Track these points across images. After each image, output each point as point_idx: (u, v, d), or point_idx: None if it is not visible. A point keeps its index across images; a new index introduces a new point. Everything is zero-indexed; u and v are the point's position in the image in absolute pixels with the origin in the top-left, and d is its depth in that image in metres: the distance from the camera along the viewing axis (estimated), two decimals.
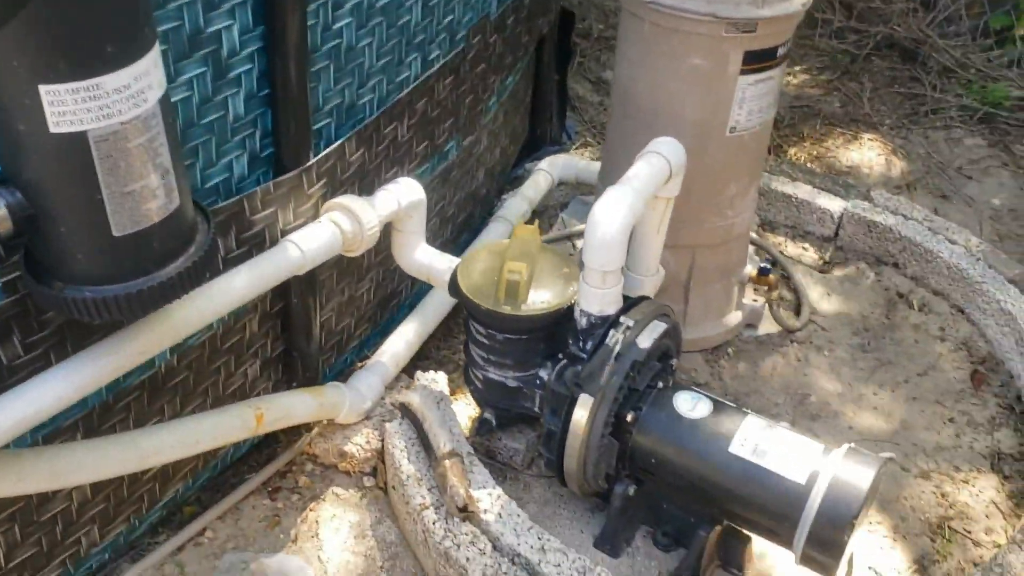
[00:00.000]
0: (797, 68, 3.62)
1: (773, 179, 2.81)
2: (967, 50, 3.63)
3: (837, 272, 2.66)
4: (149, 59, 1.08)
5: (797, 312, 2.48)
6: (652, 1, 1.84)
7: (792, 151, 3.15)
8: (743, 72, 1.90)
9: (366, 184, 1.84)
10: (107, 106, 1.04)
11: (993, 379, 2.34)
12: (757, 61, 1.90)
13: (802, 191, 2.77)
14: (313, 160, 1.65)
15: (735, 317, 2.31)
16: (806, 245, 2.75)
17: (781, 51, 1.93)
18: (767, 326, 2.39)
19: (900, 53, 3.69)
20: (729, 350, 2.32)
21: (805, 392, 2.25)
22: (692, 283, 2.19)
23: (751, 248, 2.61)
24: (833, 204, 2.73)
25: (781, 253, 2.69)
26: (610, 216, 1.61)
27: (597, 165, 2.66)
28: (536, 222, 2.50)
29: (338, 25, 1.65)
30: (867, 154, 3.15)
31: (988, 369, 2.37)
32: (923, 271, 2.60)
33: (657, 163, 1.76)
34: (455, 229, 2.40)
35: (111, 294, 1.15)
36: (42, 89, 1.00)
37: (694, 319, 2.23)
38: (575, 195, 2.77)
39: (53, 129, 1.02)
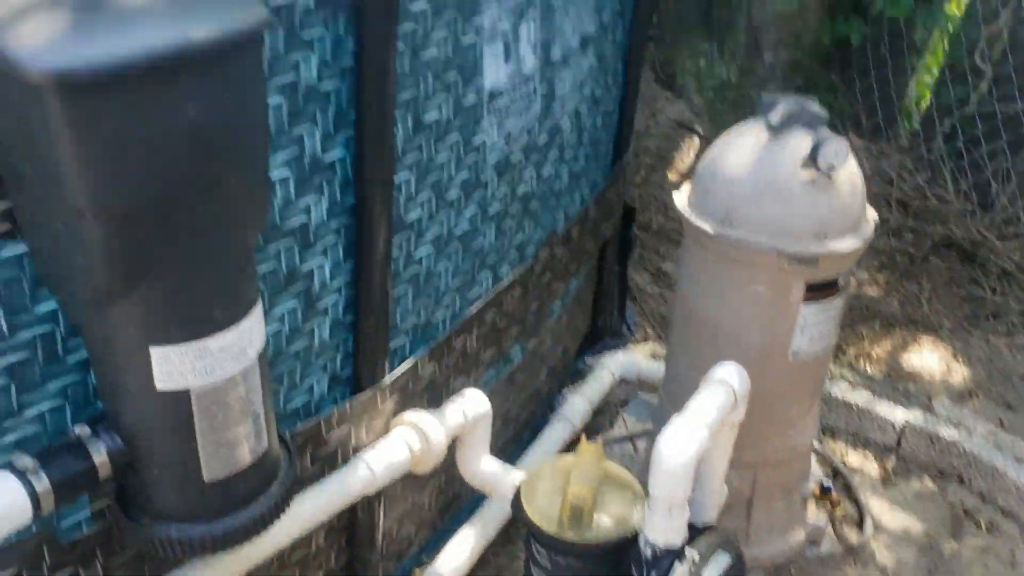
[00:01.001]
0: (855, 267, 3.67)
1: (834, 385, 2.82)
2: None
3: (900, 485, 2.62)
4: (252, 317, 1.16)
5: (860, 523, 2.43)
6: (717, 234, 1.92)
7: (851, 352, 3.16)
8: (805, 301, 1.95)
9: (435, 396, 1.90)
10: (211, 364, 1.12)
11: None
12: (819, 291, 1.95)
13: (862, 398, 2.77)
14: (388, 378, 1.71)
15: (798, 535, 2.27)
16: (868, 453, 2.73)
17: (842, 281, 1.98)
18: (830, 544, 2.35)
19: (959, 254, 3.73)
20: (792, 569, 2.27)
21: None
22: (755, 501, 2.17)
23: (813, 458, 2.59)
24: (894, 413, 2.71)
25: (843, 463, 2.67)
26: (677, 449, 1.64)
27: (658, 365, 2.71)
28: (599, 439, 2.51)
29: (419, 255, 1.75)
30: (927, 358, 3.15)
31: None
32: (990, 488, 2.55)
33: (723, 392, 1.79)
34: (517, 428, 2.43)
35: (196, 534, 1.20)
36: (152, 351, 1.08)
37: (757, 537, 2.21)
38: (636, 393, 2.80)
39: (159, 387, 1.10)
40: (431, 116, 1.67)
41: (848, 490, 2.55)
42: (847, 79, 4.53)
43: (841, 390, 2.79)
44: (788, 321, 1.97)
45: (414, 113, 1.63)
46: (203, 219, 1.04)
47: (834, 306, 1.99)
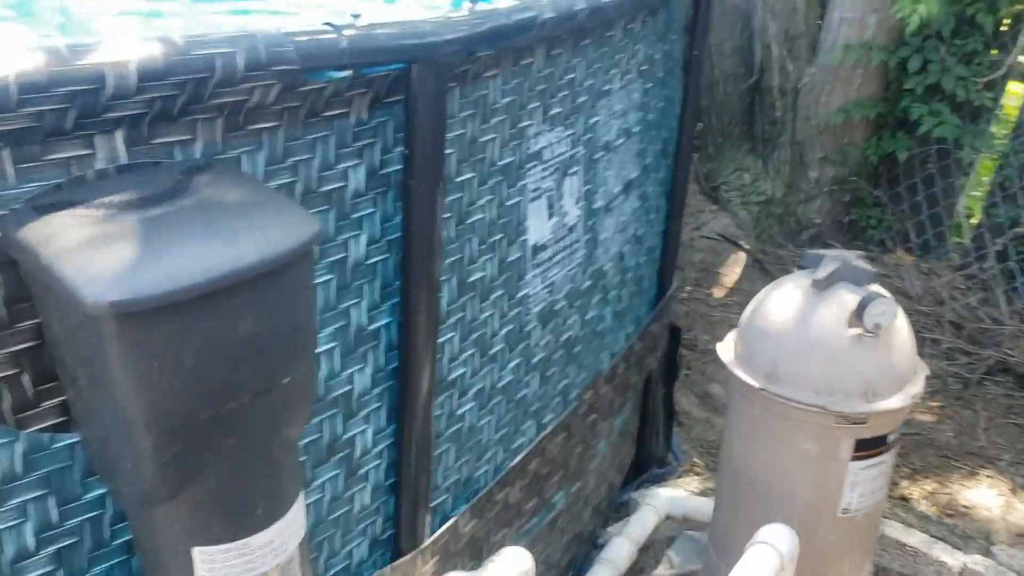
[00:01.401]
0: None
1: (887, 524, 2.73)
2: None
3: None
4: (293, 512, 1.16)
5: None
6: (763, 389, 1.90)
7: (904, 484, 3.08)
8: (855, 458, 1.91)
9: (475, 552, 1.88)
10: (252, 560, 1.12)
11: None
12: (869, 448, 1.91)
13: (917, 539, 2.68)
14: (428, 541, 1.70)
15: None
16: None
17: (892, 437, 1.94)
18: None
19: (1015, 379, 3.64)
20: None
21: None
22: None
23: None
24: (952, 558, 2.62)
25: None
26: None
27: (705, 502, 2.65)
28: None
29: (462, 411, 1.75)
30: (985, 493, 3.05)
31: None
32: None
33: (769, 557, 1.75)
34: (560, 573, 2.38)
35: None
36: (195, 551, 1.08)
37: None
38: (682, 530, 2.74)
39: None
40: (475, 276, 1.70)
41: None
42: (894, 196, 4.52)
43: (895, 530, 2.71)
44: (837, 478, 1.93)
45: (459, 275, 1.65)
46: (252, 423, 1.05)
47: (884, 462, 1.95)
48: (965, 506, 3.01)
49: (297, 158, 1.27)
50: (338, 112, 1.32)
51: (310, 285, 1.12)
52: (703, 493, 2.84)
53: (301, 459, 1.40)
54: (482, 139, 1.64)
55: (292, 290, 1.06)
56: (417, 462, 1.62)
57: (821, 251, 1.95)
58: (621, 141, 2.21)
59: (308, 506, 1.46)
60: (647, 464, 3.08)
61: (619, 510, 2.77)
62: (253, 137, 1.20)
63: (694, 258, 4.66)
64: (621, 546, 2.48)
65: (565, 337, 2.08)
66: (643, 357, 2.66)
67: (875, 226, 4.54)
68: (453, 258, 1.62)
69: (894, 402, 1.86)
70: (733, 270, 4.48)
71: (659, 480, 2.98)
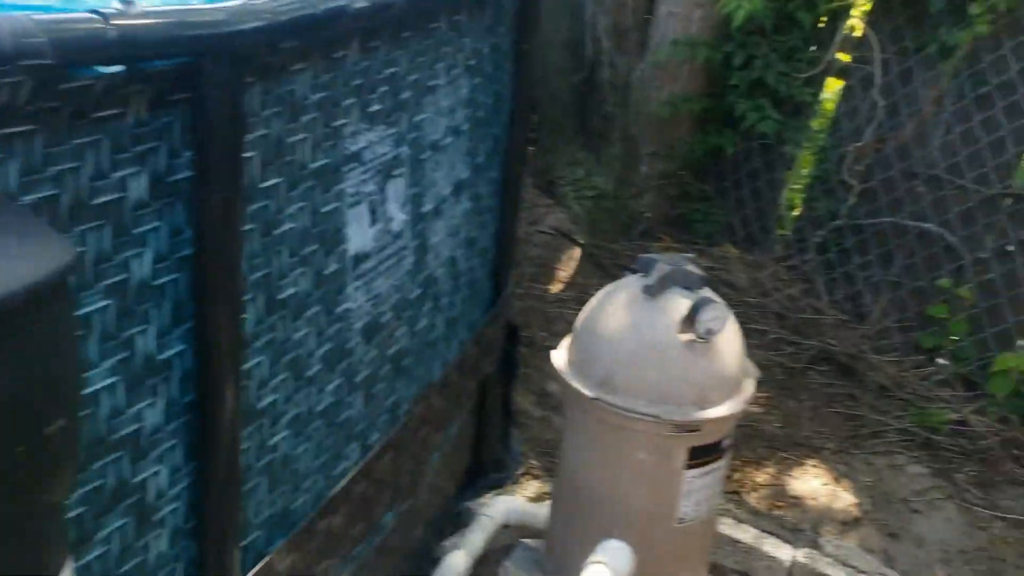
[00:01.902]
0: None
1: (720, 521, 2.75)
2: (901, 368, 3.73)
3: None
4: None
5: None
6: (597, 398, 1.83)
7: (735, 477, 3.12)
8: (689, 467, 1.87)
9: None
10: None
11: None
12: (703, 456, 1.88)
13: (748, 535, 2.70)
14: None
15: None
16: None
17: (726, 443, 1.92)
18: None
19: (837, 368, 3.78)
20: None
21: None
22: None
23: None
24: (781, 552, 2.66)
25: None
26: None
27: (542, 508, 2.58)
28: None
29: (274, 440, 1.59)
30: (812, 483, 3.13)
31: None
32: None
33: None
34: None
35: None
36: None
37: None
38: (519, 539, 2.66)
39: None
40: (287, 292, 1.54)
41: None
42: (721, 190, 4.61)
43: (728, 527, 2.73)
44: (672, 488, 1.89)
45: (267, 292, 1.49)
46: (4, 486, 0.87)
47: (719, 468, 1.92)
48: (794, 497, 3.08)
49: (61, 167, 1.08)
50: (112, 112, 1.14)
51: (68, 321, 0.94)
52: (540, 498, 2.78)
53: (79, 511, 1.21)
54: (291, 140, 1.49)
55: (43, 329, 0.88)
56: (222, 501, 1.45)
57: (653, 255, 1.91)
58: (450, 140, 2.09)
59: (90, 563, 1.27)
60: (484, 469, 2.99)
61: (456, 520, 2.67)
62: (1, 144, 1.01)
63: (531, 253, 4.61)
64: (457, 561, 2.38)
65: (393, 351, 1.95)
66: (478, 361, 2.57)
67: (702, 220, 4.62)
68: (260, 273, 1.46)
69: (726, 408, 1.84)
70: (568, 265, 4.46)
71: (496, 485, 2.90)
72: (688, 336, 1.80)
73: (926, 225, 3.83)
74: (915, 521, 3.01)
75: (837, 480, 3.15)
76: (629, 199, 4.65)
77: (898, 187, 3.94)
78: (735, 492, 3.06)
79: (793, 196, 4.69)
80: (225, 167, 1.27)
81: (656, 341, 1.80)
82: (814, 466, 3.22)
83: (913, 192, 3.89)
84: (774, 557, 2.64)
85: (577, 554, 1.85)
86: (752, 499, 3.04)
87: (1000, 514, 3.03)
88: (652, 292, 1.83)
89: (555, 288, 4.37)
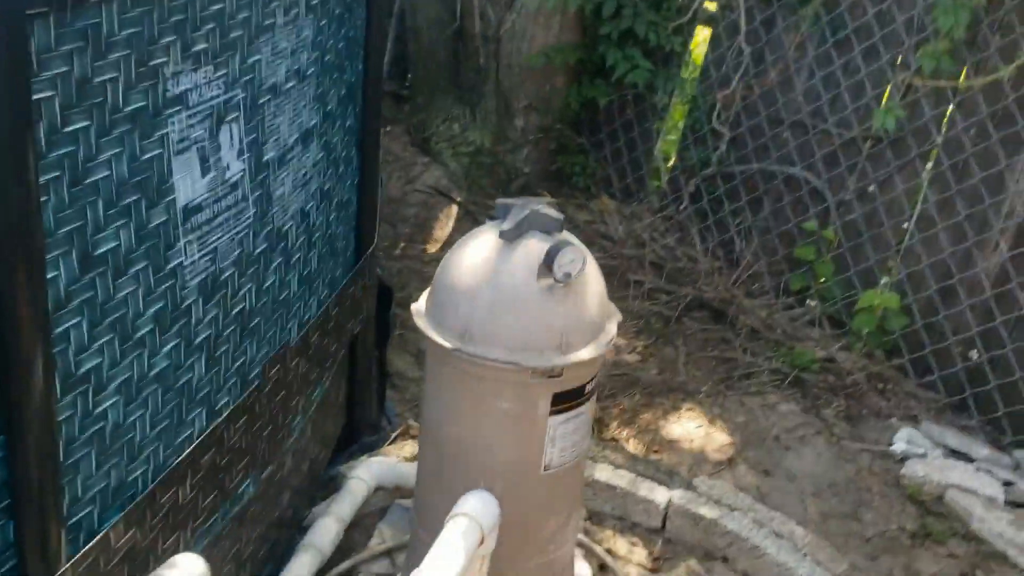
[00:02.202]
0: None
1: (596, 467, 2.74)
2: (772, 310, 3.80)
3: (668, 570, 2.56)
4: None
5: None
6: (457, 349, 1.77)
7: (613, 424, 3.13)
8: (553, 413, 1.83)
9: (138, 566, 1.61)
10: None
11: None
12: (566, 401, 1.84)
13: (625, 480, 2.71)
14: (67, 564, 1.42)
15: None
16: (635, 539, 2.66)
17: (589, 387, 1.88)
18: None
19: (711, 314, 3.82)
20: None
21: None
22: None
23: (580, 553, 2.49)
24: (657, 494, 2.67)
25: (610, 552, 2.59)
26: None
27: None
28: None
29: (101, 408, 1.47)
30: (687, 426, 3.16)
31: None
32: (753, 568, 2.54)
33: (470, 530, 1.64)
34: (256, 565, 2.16)
35: None
36: None
37: None
38: (395, 501, 2.60)
39: None
40: (105, 247, 1.42)
41: None
42: (596, 142, 4.60)
43: (605, 473, 2.72)
44: (537, 435, 1.84)
45: (81, 247, 1.36)
46: None
47: (583, 413, 1.89)
48: (671, 440, 3.11)
49: None
50: None
51: None
52: (416, 458, 2.71)
53: None
54: (98, 79, 1.35)
55: None
56: (40, 476, 1.33)
57: (511, 200, 1.84)
58: (292, 84, 1.97)
59: None
60: (359, 432, 2.90)
61: (328, 485, 2.58)
62: None
63: (407, 213, 4.51)
64: (326, 527, 2.29)
65: (237, 310, 1.84)
66: (343, 322, 2.47)
67: (580, 173, 4.60)
68: (70, 227, 1.33)
69: (588, 352, 1.80)
70: (446, 224, 4.38)
71: (371, 448, 2.82)
72: (546, 281, 1.75)
73: (792, 170, 3.90)
74: (787, 457, 3.07)
75: (712, 422, 3.19)
76: (506, 154, 4.59)
77: (765, 133, 3.99)
78: (613, 439, 3.07)
79: (667, 147, 4.71)
80: (6, 107, 1.14)
81: (513, 287, 1.74)
82: (689, 409, 3.25)
83: (779, 138, 3.95)
84: (650, 500, 2.65)
85: (443, 509, 1.79)
86: (630, 445, 3.05)
87: (866, 447, 3.13)
88: (508, 237, 1.77)
89: (432, 248, 4.29)
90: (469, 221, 4.33)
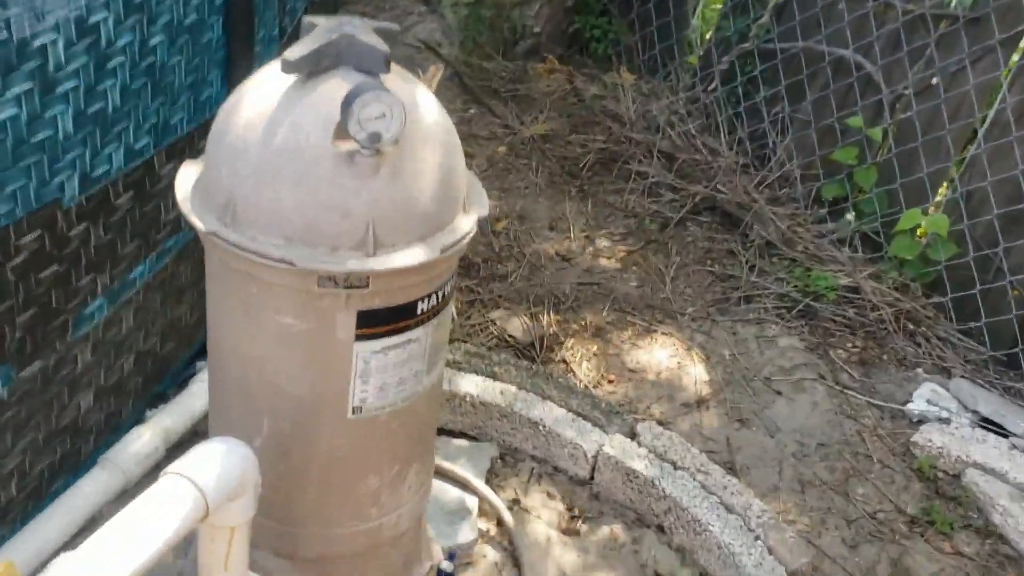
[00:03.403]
0: (597, 233, 3.06)
1: (525, 399, 2.20)
2: (796, 222, 3.14)
3: (586, 535, 2.04)
4: None
5: None
6: (214, 233, 1.21)
7: (568, 344, 2.56)
8: (361, 339, 1.27)
9: None
10: None
11: None
12: (382, 323, 1.28)
13: (552, 416, 2.16)
14: None
15: None
16: (553, 491, 2.14)
17: (426, 305, 1.32)
18: None
19: (721, 220, 3.18)
20: None
21: None
22: None
23: (475, 504, 1.98)
24: (588, 439, 2.12)
25: (516, 505, 2.07)
26: None
27: None
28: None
29: None
30: (657, 354, 2.58)
31: None
32: (691, 544, 2.00)
33: (175, 498, 1.11)
34: (28, 483, 1.69)
35: None
36: None
37: None
38: None
39: None
40: None
41: (512, 548, 1.96)
42: (626, 3, 3.88)
43: (527, 403, 2.18)
44: (338, 367, 1.30)
45: None
46: None
47: (415, 341, 1.33)
48: (632, 370, 2.53)
49: None
50: None
51: None
52: None
53: None
54: None
55: None
56: None
57: (321, 17, 1.24)
58: None
59: None
60: None
61: (179, 389, 2.09)
62: None
63: None
64: (137, 441, 1.82)
65: None
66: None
67: (600, 39, 3.91)
68: None
69: (414, 255, 1.22)
70: (429, 86, 3.75)
71: None
72: (346, 143, 1.16)
73: (843, 51, 3.15)
74: (774, 404, 2.47)
75: (689, 351, 2.60)
76: (513, 7, 3.90)
77: (816, 3, 3.23)
78: (562, 361, 2.51)
79: (707, 15, 3.97)
80: None
81: (295, 148, 1.17)
82: (666, 334, 2.66)
83: (832, 10, 3.19)
84: (578, 445, 2.11)
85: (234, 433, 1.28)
86: (581, 371, 2.49)
87: (877, 401, 2.51)
88: (298, 70, 1.18)
89: None
90: (457, 85, 3.70)
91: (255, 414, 1.36)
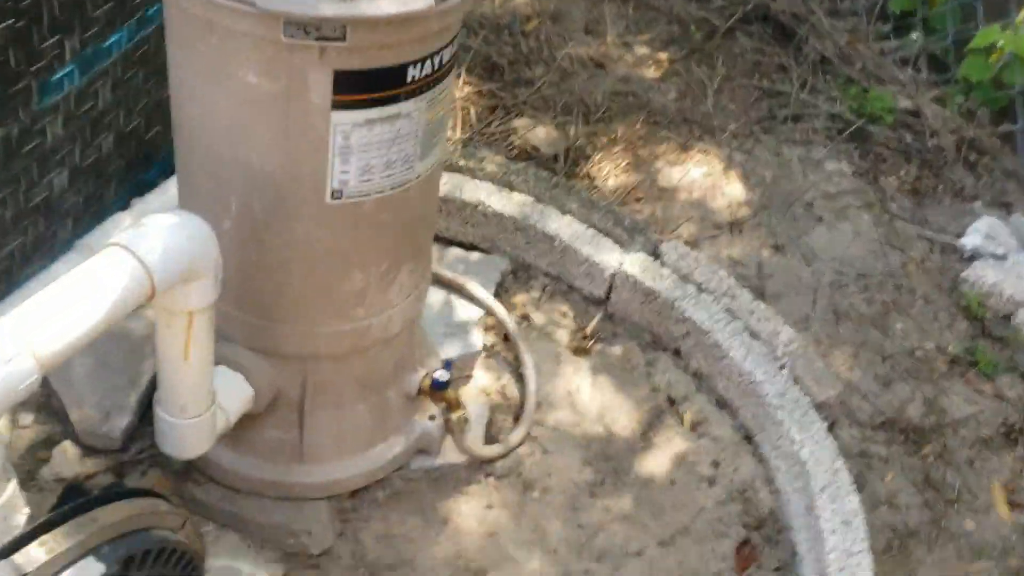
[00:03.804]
0: (637, 39, 2.79)
1: (541, 211, 2.03)
2: (857, 36, 2.84)
3: (597, 356, 1.91)
4: None
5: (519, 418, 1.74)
6: None
7: (595, 159, 2.36)
8: (339, 107, 1.09)
9: None
10: None
11: (767, 556, 1.64)
12: (364, 90, 1.09)
13: (569, 231, 1.99)
14: None
15: (391, 447, 1.54)
16: (566, 309, 1.99)
17: (418, 71, 1.12)
18: (454, 454, 1.63)
19: (774, 31, 2.88)
20: (380, 493, 1.56)
21: (481, 567, 1.52)
22: (308, 406, 1.41)
23: (479, 317, 1.85)
24: (607, 257, 1.96)
25: (525, 319, 1.94)
26: None
27: None
28: None
29: None
30: (692, 172, 2.37)
31: (764, 538, 1.67)
32: (709, 369, 1.87)
33: (112, 272, 0.97)
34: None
35: None
36: None
37: (317, 454, 1.47)
38: None
39: None
40: None
41: (518, 364, 1.83)
42: None
43: (544, 217, 2.01)
44: (312, 140, 1.12)
45: None
46: None
47: (406, 115, 1.14)
48: (663, 188, 2.33)
49: None
50: None
51: None
52: None
53: None
54: None
55: None
56: None
57: None
58: None
59: None
60: None
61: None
62: None
63: None
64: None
65: None
66: None
67: None
68: None
69: (402, 2, 1.02)
70: None
71: None
72: None
73: None
74: (814, 231, 2.28)
75: (726, 171, 2.39)
76: None
77: None
78: (587, 176, 2.32)
79: None
80: None
81: None
82: (703, 151, 2.44)
83: None
84: (595, 262, 1.95)
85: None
86: (608, 186, 2.29)
87: (928, 234, 2.31)
88: None
89: None
90: None
91: (223, 194, 1.19)
